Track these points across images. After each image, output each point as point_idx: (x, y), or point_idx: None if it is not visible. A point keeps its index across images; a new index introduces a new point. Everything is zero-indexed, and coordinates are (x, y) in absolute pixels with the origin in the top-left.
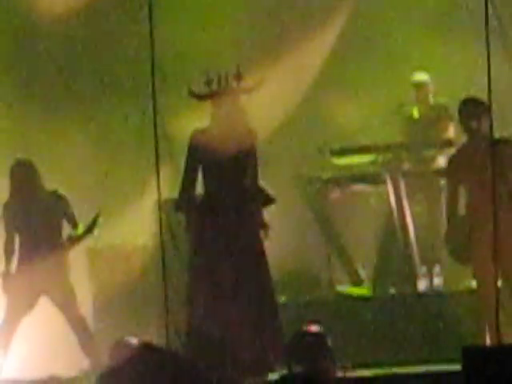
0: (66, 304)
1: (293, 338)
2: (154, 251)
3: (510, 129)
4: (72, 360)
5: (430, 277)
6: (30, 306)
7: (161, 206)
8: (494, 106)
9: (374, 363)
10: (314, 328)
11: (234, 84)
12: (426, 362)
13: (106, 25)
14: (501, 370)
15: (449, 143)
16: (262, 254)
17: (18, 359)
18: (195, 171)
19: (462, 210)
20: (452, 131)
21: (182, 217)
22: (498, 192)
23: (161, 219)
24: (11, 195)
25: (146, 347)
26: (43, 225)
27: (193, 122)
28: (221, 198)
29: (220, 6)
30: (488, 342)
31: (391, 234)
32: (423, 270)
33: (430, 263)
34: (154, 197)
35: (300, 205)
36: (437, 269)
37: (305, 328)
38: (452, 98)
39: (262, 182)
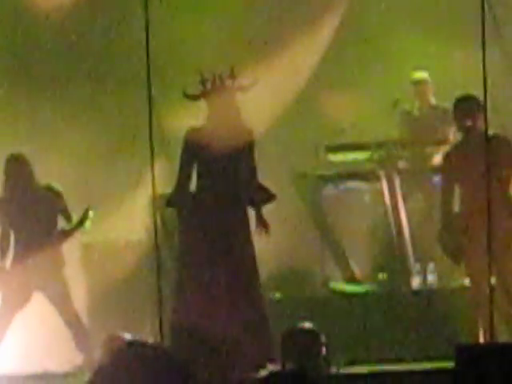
0: (61, 299)
1: (285, 334)
2: (147, 247)
3: (504, 126)
4: (66, 355)
5: (424, 274)
6: (25, 301)
7: (155, 202)
8: (489, 104)
9: (368, 360)
10: (307, 325)
11: (229, 83)
12: (420, 359)
13: (103, 24)
14: (493, 368)
15: (445, 142)
16: (252, 250)
17: (13, 354)
18: (190, 169)
19: (456, 207)
20: (449, 132)
21: (174, 213)
22: (492, 189)
23: (155, 215)
24: (5, 190)
25: (136, 343)
26: (38, 220)
27: (188, 119)
28: (214, 195)
29: (216, 6)
30: (481, 339)
31: (386, 232)
32: (417, 267)
33: (424, 261)
34: (149, 193)
35: (295, 201)
36: (431, 266)
37: (298, 325)
38: (449, 96)
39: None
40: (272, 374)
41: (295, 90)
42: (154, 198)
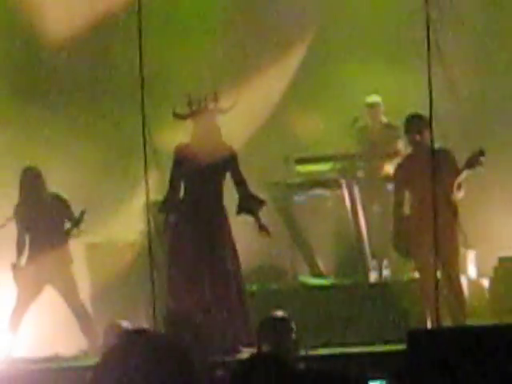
0: (68, 291)
1: (261, 322)
2: (142, 246)
3: (446, 137)
4: (73, 340)
5: (380, 269)
6: (37, 293)
7: (149, 207)
8: (435, 122)
9: (331, 343)
10: (280, 313)
11: (211, 105)
12: (376, 342)
13: (103, 53)
14: (440, 349)
15: (395, 154)
16: (233, 249)
17: (26, 340)
18: (178, 180)
19: (406, 211)
20: (399, 145)
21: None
22: (437, 195)
23: (149, 219)
24: (20, 198)
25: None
26: (48, 224)
27: (177, 136)
28: (198, 202)
29: (201, 39)
30: (429, 324)
31: (346, 233)
32: (374, 263)
33: (379, 257)
34: (143, 200)
35: (269, 207)
36: (385, 262)
37: (272, 313)
38: (400, 115)
39: None
40: (251, 356)
41: (267, 111)
42: (148, 205)
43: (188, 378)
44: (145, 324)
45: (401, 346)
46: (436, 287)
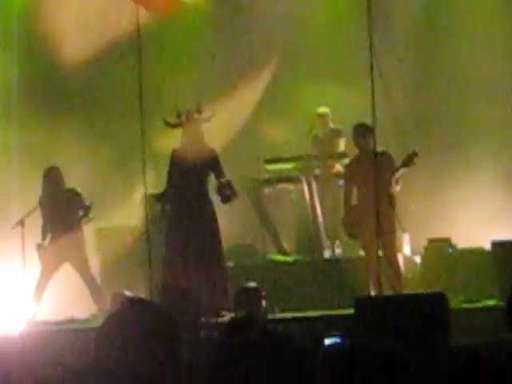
0: (82, 267)
1: (237, 291)
2: (141, 230)
3: (387, 144)
4: (85, 306)
5: (332, 248)
6: (57, 268)
7: (146, 199)
8: (376, 129)
9: (294, 308)
10: (252, 284)
11: (196, 116)
12: (330, 307)
13: (110, 73)
14: (382, 313)
15: (343, 155)
16: (217, 231)
17: (48, 306)
18: (173, 177)
19: (354, 201)
20: (344, 147)
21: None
22: (378, 189)
23: (146, 208)
24: (44, 192)
25: (134, 299)
26: (65, 213)
27: (169, 141)
28: (187, 194)
29: (188, 61)
30: (372, 293)
31: (306, 219)
32: (327, 243)
33: (332, 239)
34: (142, 193)
35: (244, 198)
36: (337, 242)
37: (246, 284)
38: (347, 122)
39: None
40: (231, 319)
41: (242, 120)
42: (146, 197)
43: (174, 336)
44: (143, 293)
45: (350, 310)
46: (378, 263)
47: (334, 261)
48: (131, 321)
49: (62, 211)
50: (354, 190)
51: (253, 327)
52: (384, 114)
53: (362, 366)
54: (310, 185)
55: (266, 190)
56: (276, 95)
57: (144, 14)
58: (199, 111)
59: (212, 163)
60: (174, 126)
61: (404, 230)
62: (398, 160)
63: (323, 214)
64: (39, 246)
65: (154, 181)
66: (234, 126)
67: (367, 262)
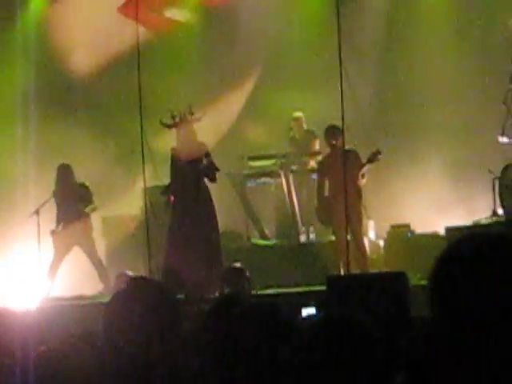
0: (90, 251)
1: (224, 271)
2: (141, 219)
3: (354, 143)
4: (93, 284)
5: (307, 233)
6: (68, 251)
7: (146, 191)
8: (345, 130)
9: (274, 285)
10: (238, 265)
11: (189, 117)
12: (305, 284)
13: (113, 81)
14: (351, 289)
15: (317, 153)
16: (213, 218)
17: (60, 284)
18: (174, 173)
19: (326, 193)
20: (317, 146)
21: (157, 197)
22: (347, 182)
23: (145, 200)
24: (57, 185)
25: (138, 278)
26: (75, 204)
27: (166, 138)
28: (186, 186)
29: (181, 70)
30: (342, 272)
31: (284, 208)
32: (303, 229)
33: (307, 225)
34: (142, 185)
35: (231, 190)
36: (311, 228)
37: (232, 265)
38: (319, 124)
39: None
40: (219, 296)
41: (228, 122)
42: (145, 189)
43: (174, 310)
44: (143, 273)
45: (322, 287)
46: (347, 246)
47: (309, 244)
48: (136, 297)
49: (73, 202)
50: (326, 183)
51: (238, 304)
52: (352, 116)
53: (336, 334)
54: (287, 179)
55: (249, 184)
56: (257, 101)
57: (143, 31)
58: (191, 113)
59: (202, 157)
60: (169, 126)
61: (369, 217)
62: (364, 157)
63: (299, 203)
64: (53, 232)
65: (153, 175)
66: (221, 128)
67: (337, 246)
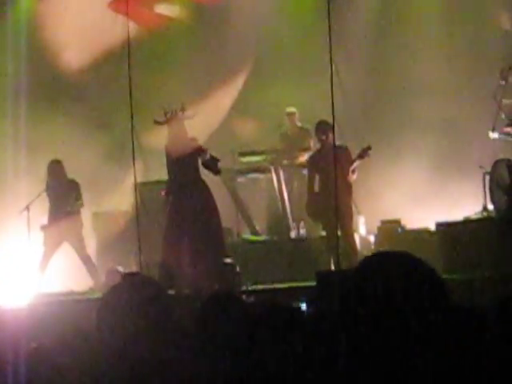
0: (79, 246)
1: (215, 267)
2: (131, 214)
3: (345, 139)
4: (82, 280)
5: (298, 229)
6: (58, 247)
7: (136, 186)
8: (335, 126)
9: (264, 280)
10: (228, 260)
11: (180, 114)
12: (295, 280)
13: (104, 77)
14: (340, 284)
15: (307, 149)
16: (213, 211)
17: (50, 280)
18: (170, 169)
19: (316, 189)
20: (310, 143)
21: (151, 195)
22: (337, 178)
23: (136, 195)
24: (48, 181)
25: (132, 274)
26: (66, 199)
27: (156, 134)
28: (181, 180)
29: (172, 67)
30: (332, 268)
31: (274, 204)
32: (293, 224)
33: (297, 220)
34: (132, 181)
35: (222, 186)
36: (302, 224)
37: (222, 260)
38: (310, 120)
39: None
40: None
41: (219, 118)
42: (135, 185)
43: (166, 305)
44: (133, 269)
45: (312, 283)
46: (337, 242)
47: (299, 240)
48: (131, 292)
49: (63, 198)
50: (316, 179)
51: (230, 300)
52: (342, 113)
53: (327, 328)
54: (278, 174)
55: (240, 179)
56: (248, 97)
57: (133, 27)
58: (182, 110)
59: (195, 151)
60: (162, 123)
61: (360, 213)
62: (354, 153)
63: (290, 199)
64: (43, 227)
65: (143, 171)
66: (212, 124)
67: (328, 241)
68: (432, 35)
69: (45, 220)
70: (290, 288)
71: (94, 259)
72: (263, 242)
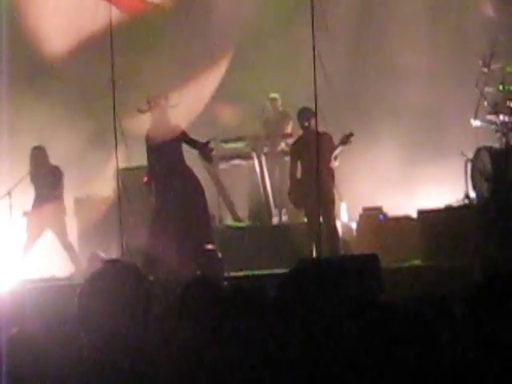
0: (61, 233)
1: (196, 252)
2: (113, 200)
3: (327, 125)
4: (64, 266)
5: (280, 215)
6: (40, 233)
7: (118, 172)
8: (318, 112)
9: (247, 267)
10: (211, 246)
11: (163, 102)
12: (277, 266)
13: (88, 63)
14: (322, 271)
15: (289, 135)
16: (198, 193)
17: (32, 266)
18: (151, 157)
19: (298, 175)
20: (290, 128)
21: (133, 181)
22: (320, 164)
23: (118, 181)
24: (31, 167)
25: (112, 260)
26: (49, 187)
27: (138, 120)
28: (164, 167)
29: (154, 54)
30: (314, 254)
31: (257, 190)
32: (276, 211)
33: (279, 207)
34: (114, 167)
35: (204, 172)
36: (283, 210)
37: (204, 246)
38: (293, 107)
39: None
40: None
41: (202, 105)
42: (117, 170)
43: (147, 291)
44: (115, 254)
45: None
46: (319, 229)
47: (281, 227)
48: (112, 277)
49: (46, 184)
50: (299, 166)
51: (210, 286)
52: (325, 99)
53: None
54: (260, 161)
55: (222, 166)
56: (230, 83)
57: (116, 12)
58: (166, 98)
59: (182, 137)
60: (145, 111)
61: (342, 200)
62: (337, 139)
63: (272, 186)
64: (25, 213)
65: (125, 156)
66: (194, 110)
67: (310, 228)
68: (415, 21)
69: (28, 206)
70: (271, 274)
71: (76, 245)
72: (245, 229)
